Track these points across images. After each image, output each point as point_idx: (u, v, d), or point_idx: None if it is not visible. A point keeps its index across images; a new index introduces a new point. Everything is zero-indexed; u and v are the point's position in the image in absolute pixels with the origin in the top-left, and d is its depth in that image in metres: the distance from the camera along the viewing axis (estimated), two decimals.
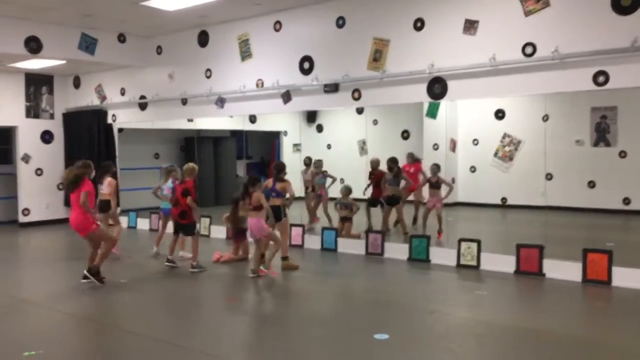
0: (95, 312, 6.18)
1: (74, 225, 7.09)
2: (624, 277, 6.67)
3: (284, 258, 7.85)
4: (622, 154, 10.99)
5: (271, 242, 7.65)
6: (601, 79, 6.65)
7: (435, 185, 9.32)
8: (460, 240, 8.03)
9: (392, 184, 9.47)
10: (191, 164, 8.35)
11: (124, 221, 12.26)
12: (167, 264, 8.16)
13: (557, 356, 4.65)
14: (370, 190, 10.14)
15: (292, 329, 5.64)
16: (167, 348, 5.01)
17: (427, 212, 9.41)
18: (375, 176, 10.10)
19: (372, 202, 10.17)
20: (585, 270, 6.91)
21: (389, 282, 7.49)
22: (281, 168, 7.95)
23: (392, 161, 9.56)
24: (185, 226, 8.05)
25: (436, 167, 9.40)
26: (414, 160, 10.49)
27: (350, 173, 11.03)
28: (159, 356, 4.88)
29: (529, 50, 7.17)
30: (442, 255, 8.13)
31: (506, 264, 7.49)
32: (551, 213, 8.09)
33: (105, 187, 8.80)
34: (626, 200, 10.90)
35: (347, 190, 9.91)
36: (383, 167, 9.80)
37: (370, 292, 6.86)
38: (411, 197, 10.27)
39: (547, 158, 7.99)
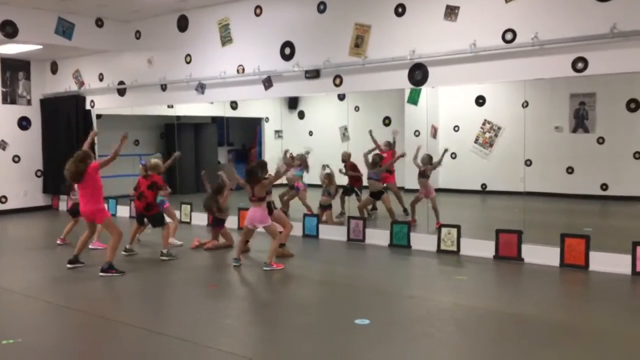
0: (75, 301, 6.12)
1: (88, 213, 7.16)
2: (601, 262, 6.77)
3: (281, 245, 7.75)
4: (600, 140, 11.11)
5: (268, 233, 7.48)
6: (580, 65, 6.70)
7: (423, 174, 9.27)
8: (441, 226, 8.10)
9: (374, 178, 9.50)
10: (153, 161, 8.30)
11: None
12: (125, 253, 8.10)
13: (535, 339, 4.71)
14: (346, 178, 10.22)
15: (273, 315, 5.65)
16: (147, 335, 4.99)
17: (416, 200, 9.40)
18: (349, 165, 10.15)
19: (346, 191, 10.22)
20: (563, 255, 7.01)
21: (370, 268, 7.53)
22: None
23: (379, 157, 9.69)
24: (152, 217, 8.03)
25: (428, 157, 9.33)
26: (390, 147, 10.54)
27: (332, 159, 10.98)
28: (139, 343, 4.87)
29: (509, 36, 7.19)
30: (422, 241, 8.19)
31: (486, 249, 7.57)
32: (530, 199, 8.18)
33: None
34: (604, 186, 11.04)
35: (331, 177, 9.91)
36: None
37: (351, 278, 6.88)
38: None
39: (526, 144, 8.04)
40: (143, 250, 8.34)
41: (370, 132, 10.34)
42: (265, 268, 7.13)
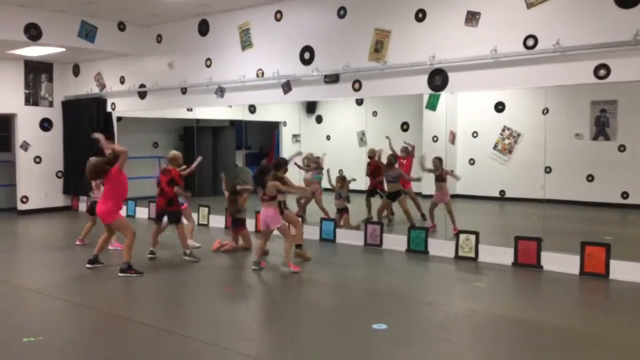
0: (94, 300, 6.19)
1: (99, 212, 7.29)
2: (622, 270, 6.69)
3: (298, 246, 7.77)
4: (622, 148, 10.99)
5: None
6: (602, 72, 6.65)
7: (440, 178, 9.20)
8: (459, 232, 8.06)
9: (393, 181, 9.50)
10: (173, 152, 8.33)
11: (123, 211, 12.31)
12: (150, 256, 8.06)
13: (553, 347, 4.67)
14: (367, 179, 10.24)
15: (291, 319, 5.66)
16: (166, 336, 5.03)
17: (433, 205, 9.33)
18: (372, 166, 10.15)
19: (370, 193, 10.22)
20: (582, 263, 6.93)
21: (387, 273, 7.51)
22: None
23: (394, 157, 9.67)
24: (172, 213, 8.07)
25: (438, 161, 9.27)
26: (408, 153, 10.49)
27: (350, 164, 11.03)
28: (157, 344, 4.90)
29: (530, 42, 7.15)
30: (440, 247, 8.16)
31: (504, 256, 7.51)
32: (550, 206, 8.09)
33: (96, 190, 8.72)
34: (624, 195, 10.91)
35: (343, 180, 9.89)
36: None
37: (369, 283, 6.88)
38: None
39: (546, 151, 7.98)
40: (162, 252, 8.37)
41: (389, 138, 10.31)
42: (253, 267, 7.23)
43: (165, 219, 8.28)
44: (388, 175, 9.57)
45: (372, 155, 10.26)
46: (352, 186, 9.99)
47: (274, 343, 4.99)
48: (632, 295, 6.24)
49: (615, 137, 11.11)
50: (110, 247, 8.39)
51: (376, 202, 10.12)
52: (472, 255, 7.80)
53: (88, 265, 7.43)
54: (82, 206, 13.04)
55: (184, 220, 8.46)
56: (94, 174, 7.21)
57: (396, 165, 9.74)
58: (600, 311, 5.93)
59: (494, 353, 4.66)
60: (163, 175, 8.06)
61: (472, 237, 7.84)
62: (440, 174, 9.23)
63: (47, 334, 5.10)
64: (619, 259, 6.75)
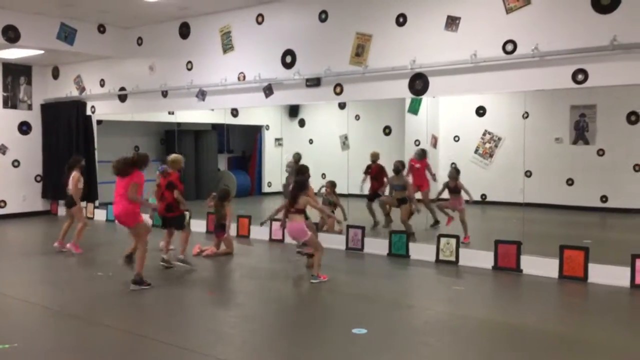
0: (74, 306, 6.08)
1: (116, 215, 6.76)
2: (600, 274, 6.75)
3: (310, 256, 7.48)
4: (600, 152, 11.11)
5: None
6: (580, 77, 6.72)
7: (455, 190, 8.94)
8: (440, 236, 8.08)
9: (398, 189, 9.36)
10: (174, 155, 8.12)
11: (102, 214, 12.19)
12: (162, 263, 7.75)
13: (532, 351, 4.69)
14: (367, 184, 10.20)
15: (270, 323, 5.63)
16: (144, 342, 4.97)
17: (445, 206, 9.14)
18: (372, 170, 10.11)
19: (371, 197, 10.14)
20: (562, 267, 6.99)
21: (368, 277, 7.50)
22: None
23: (401, 164, 9.46)
24: (174, 219, 7.89)
25: (455, 172, 9.05)
26: (422, 157, 10.34)
27: (332, 168, 11.02)
28: (135, 350, 4.84)
29: (509, 47, 7.21)
30: (421, 251, 8.17)
31: (484, 259, 7.54)
32: (530, 210, 8.16)
33: (70, 183, 8.66)
34: (603, 198, 11.03)
35: (333, 186, 9.83)
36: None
37: (349, 287, 6.86)
38: (419, 196, 9.89)
39: (526, 155, 8.05)
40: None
41: None
42: (312, 280, 6.89)
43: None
44: (394, 184, 9.39)
45: (375, 159, 10.21)
46: (340, 191, 9.91)
47: (253, 348, 4.95)
48: (610, 298, 6.30)
49: (594, 141, 11.24)
50: (67, 246, 8.34)
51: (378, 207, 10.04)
52: (453, 259, 7.82)
53: (133, 287, 6.62)
54: (61, 210, 12.88)
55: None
56: (117, 169, 6.68)
57: (404, 173, 9.56)
58: (579, 314, 5.96)
59: (473, 357, 4.66)
60: (163, 178, 7.81)
61: (453, 241, 7.87)
62: (456, 185, 8.92)
63: (23, 341, 5.01)
64: (597, 263, 6.81)
